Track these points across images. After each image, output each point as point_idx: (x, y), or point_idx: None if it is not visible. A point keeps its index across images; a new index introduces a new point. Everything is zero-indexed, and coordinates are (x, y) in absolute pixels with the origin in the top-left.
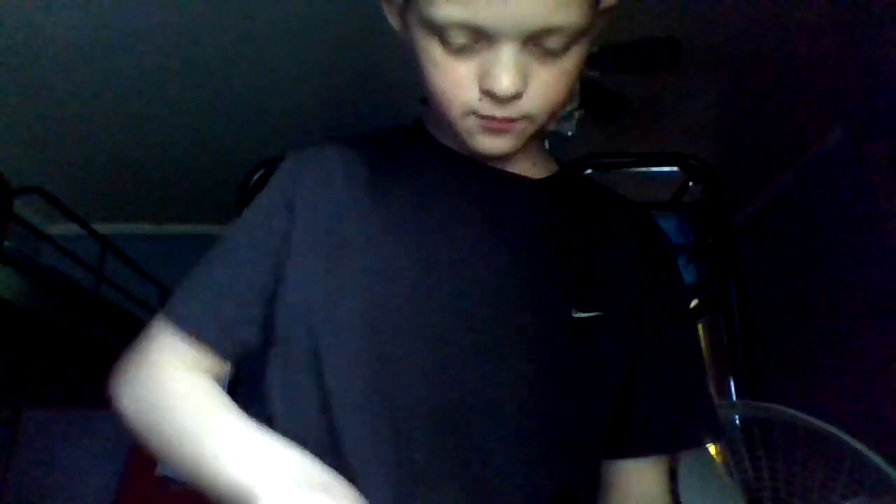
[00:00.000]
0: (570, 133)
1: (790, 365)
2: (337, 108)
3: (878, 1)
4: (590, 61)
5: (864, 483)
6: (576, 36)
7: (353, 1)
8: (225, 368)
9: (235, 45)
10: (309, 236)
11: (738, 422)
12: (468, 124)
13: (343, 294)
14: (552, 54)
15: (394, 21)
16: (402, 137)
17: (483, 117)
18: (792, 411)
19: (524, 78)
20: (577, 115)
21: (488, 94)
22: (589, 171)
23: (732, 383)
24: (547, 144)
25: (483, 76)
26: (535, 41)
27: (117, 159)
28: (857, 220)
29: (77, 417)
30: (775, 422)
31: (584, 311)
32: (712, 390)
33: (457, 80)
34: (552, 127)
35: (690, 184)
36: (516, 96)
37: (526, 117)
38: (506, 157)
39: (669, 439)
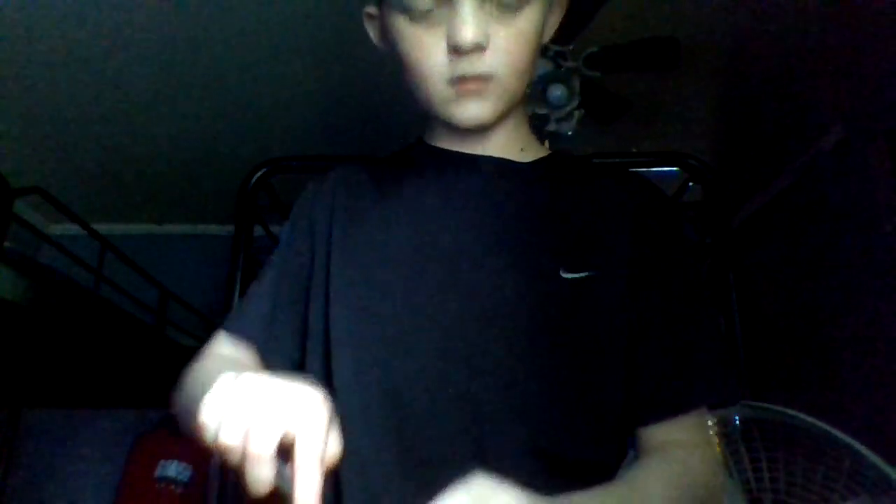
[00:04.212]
0: (569, 133)
1: (790, 365)
2: (337, 109)
3: (877, 0)
4: (590, 61)
5: (864, 483)
6: None
7: (353, 3)
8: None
9: (236, 45)
10: (323, 244)
11: (738, 422)
12: (446, 95)
13: (348, 287)
14: (508, 10)
15: (374, 34)
16: (402, 151)
17: (456, 81)
18: (792, 411)
19: (485, 33)
20: (577, 115)
21: (455, 50)
22: None
23: None
24: (547, 145)
25: (448, 37)
26: None
27: (117, 159)
28: (857, 220)
29: (77, 417)
30: (775, 422)
31: (574, 272)
32: (724, 349)
33: (426, 48)
34: (552, 127)
35: (690, 184)
36: (479, 48)
37: (495, 77)
38: (494, 141)
39: (680, 401)
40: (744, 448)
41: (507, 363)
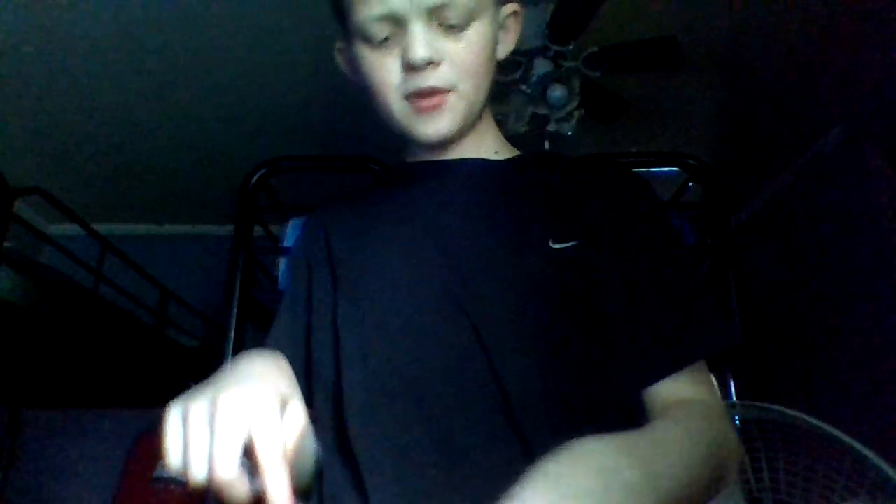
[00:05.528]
0: (569, 133)
1: (791, 365)
2: (337, 109)
3: (877, 2)
4: (590, 61)
5: (864, 483)
6: (471, 12)
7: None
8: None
9: (236, 45)
10: (322, 271)
11: (738, 422)
12: (405, 111)
13: (353, 303)
14: (455, 28)
15: (343, 65)
16: (381, 176)
17: (412, 97)
18: (792, 412)
19: (435, 49)
20: (576, 114)
21: (410, 67)
22: None
23: (732, 383)
24: (547, 145)
25: (402, 56)
26: (437, 17)
27: (117, 159)
28: (856, 220)
29: (77, 417)
30: (775, 422)
31: (562, 242)
32: (712, 299)
33: (385, 68)
34: (552, 127)
35: (690, 184)
36: (432, 62)
37: (451, 89)
38: (465, 148)
39: (677, 353)
40: (744, 448)
41: (517, 336)
